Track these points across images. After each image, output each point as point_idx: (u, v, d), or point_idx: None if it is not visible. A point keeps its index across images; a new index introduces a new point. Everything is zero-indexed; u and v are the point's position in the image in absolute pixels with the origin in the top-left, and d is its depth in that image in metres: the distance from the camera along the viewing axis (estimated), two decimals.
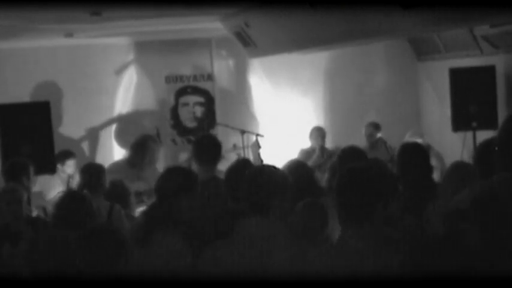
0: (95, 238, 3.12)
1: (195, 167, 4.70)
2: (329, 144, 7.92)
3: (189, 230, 3.72)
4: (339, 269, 2.59)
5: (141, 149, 6.68)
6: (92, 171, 5.33)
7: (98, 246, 3.06)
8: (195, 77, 8.22)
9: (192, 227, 3.82)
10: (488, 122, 6.51)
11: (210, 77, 8.23)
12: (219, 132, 7.95)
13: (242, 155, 7.48)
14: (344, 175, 2.76)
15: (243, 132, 7.59)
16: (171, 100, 8.16)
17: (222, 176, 4.20)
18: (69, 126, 7.77)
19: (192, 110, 8.21)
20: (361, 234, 2.62)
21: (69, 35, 6.90)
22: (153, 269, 3.33)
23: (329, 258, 2.65)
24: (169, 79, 8.13)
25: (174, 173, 3.67)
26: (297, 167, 4.44)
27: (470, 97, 6.71)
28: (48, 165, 6.09)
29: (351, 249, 2.62)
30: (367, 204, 2.64)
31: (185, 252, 3.40)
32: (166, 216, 3.47)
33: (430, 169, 4.44)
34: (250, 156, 7.58)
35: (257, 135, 7.66)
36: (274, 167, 3.20)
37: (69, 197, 4.16)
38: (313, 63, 8.21)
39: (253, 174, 3.18)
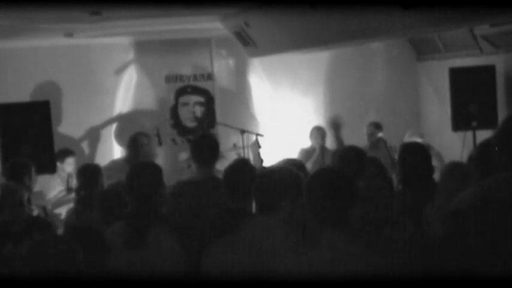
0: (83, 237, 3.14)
1: (194, 166, 4.71)
2: (329, 144, 7.92)
3: (187, 231, 3.73)
4: (330, 269, 2.59)
5: (133, 146, 6.86)
6: (88, 172, 5.35)
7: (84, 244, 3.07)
8: (195, 77, 8.22)
9: (187, 227, 3.83)
10: (488, 121, 6.50)
11: (210, 77, 8.23)
12: (219, 132, 7.95)
13: (242, 154, 7.48)
14: (313, 178, 2.76)
15: (243, 132, 7.59)
16: (171, 100, 8.16)
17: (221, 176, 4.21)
18: (69, 125, 7.76)
19: (192, 109, 8.22)
20: (336, 236, 2.63)
21: (69, 34, 6.90)
22: (150, 270, 3.33)
23: (324, 259, 2.66)
24: (169, 79, 8.13)
25: (141, 169, 3.71)
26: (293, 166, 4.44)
27: (470, 97, 6.71)
28: (48, 164, 6.09)
29: (333, 250, 2.62)
30: (338, 206, 2.64)
31: (180, 252, 3.41)
32: (153, 215, 3.49)
33: (431, 169, 4.44)
34: (250, 156, 7.58)
35: (257, 135, 7.66)
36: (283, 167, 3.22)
37: None
38: (313, 63, 8.21)
39: (263, 174, 3.19)
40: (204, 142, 4.59)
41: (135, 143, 6.93)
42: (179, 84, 8.17)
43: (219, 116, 8.15)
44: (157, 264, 3.35)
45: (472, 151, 5.24)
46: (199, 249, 3.26)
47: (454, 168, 4.17)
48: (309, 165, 7.11)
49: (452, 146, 7.11)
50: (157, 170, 3.70)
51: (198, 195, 4.24)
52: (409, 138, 7.01)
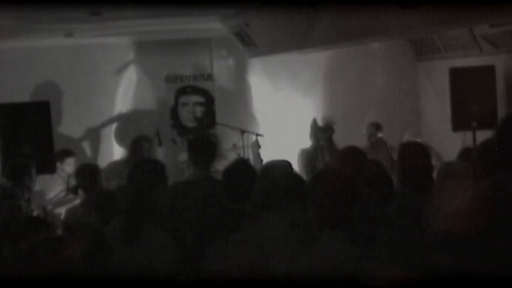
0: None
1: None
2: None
3: (184, 230, 3.73)
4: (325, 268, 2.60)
5: (134, 149, 6.85)
6: (87, 172, 5.36)
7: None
8: (195, 77, 8.21)
9: (184, 228, 3.83)
10: (488, 122, 6.49)
11: (210, 77, 8.22)
12: (219, 132, 7.95)
13: (242, 154, 7.48)
14: (314, 178, 2.77)
15: (243, 132, 7.59)
16: (171, 100, 8.16)
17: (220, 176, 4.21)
18: (69, 126, 7.77)
19: (192, 109, 8.22)
20: (337, 236, 2.63)
21: (69, 35, 6.90)
22: (145, 267, 3.33)
23: (324, 259, 2.66)
24: (169, 79, 8.13)
25: (141, 165, 3.71)
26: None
27: (470, 97, 6.69)
28: (48, 164, 6.09)
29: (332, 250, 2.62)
30: (338, 206, 2.64)
31: (174, 251, 3.41)
32: (148, 212, 3.49)
33: (430, 168, 4.44)
34: (250, 156, 7.58)
35: (257, 135, 7.66)
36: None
37: None
38: (313, 63, 8.21)
39: (264, 174, 3.20)
40: (200, 143, 4.60)
41: (136, 147, 6.90)
42: (179, 85, 8.17)
43: (219, 116, 8.15)
44: (150, 262, 3.35)
45: (463, 148, 5.25)
46: (199, 249, 3.26)
47: (449, 168, 4.18)
48: (310, 166, 7.10)
49: (452, 146, 7.10)
50: (158, 166, 3.69)
51: (194, 195, 4.24)
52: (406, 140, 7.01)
